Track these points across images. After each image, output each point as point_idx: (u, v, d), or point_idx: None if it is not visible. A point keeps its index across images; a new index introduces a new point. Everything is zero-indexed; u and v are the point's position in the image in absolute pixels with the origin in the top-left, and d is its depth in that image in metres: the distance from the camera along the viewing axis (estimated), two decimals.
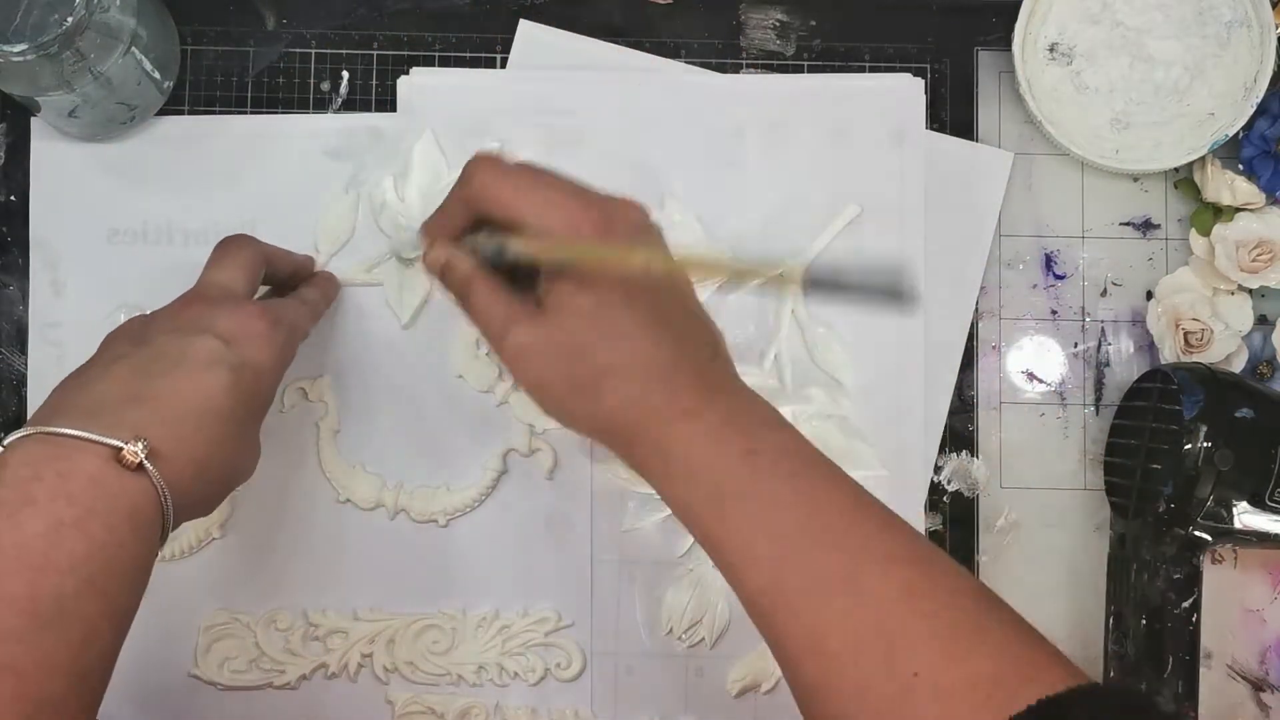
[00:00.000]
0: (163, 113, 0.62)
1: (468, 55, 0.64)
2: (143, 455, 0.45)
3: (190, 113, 0.63)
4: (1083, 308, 0.64)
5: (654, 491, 0.61)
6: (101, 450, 0.45)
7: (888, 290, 0.45)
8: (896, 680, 0.43)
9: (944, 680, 0.42)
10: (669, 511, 0.61)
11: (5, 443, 0.46)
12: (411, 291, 0.62)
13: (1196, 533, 0.57)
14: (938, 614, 0.44)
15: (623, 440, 0.50)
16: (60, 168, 0.62)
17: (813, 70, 0.64)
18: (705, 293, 0.62)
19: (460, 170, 0.50)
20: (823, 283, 0.47)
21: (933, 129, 0.63)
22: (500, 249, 0.49)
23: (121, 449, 0.45)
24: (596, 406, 0.49)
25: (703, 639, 0.61)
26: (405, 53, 0.64)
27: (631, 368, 0.49)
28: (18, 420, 0.62)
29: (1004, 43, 0.63)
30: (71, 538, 0.43)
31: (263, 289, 0.58)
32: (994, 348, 0.64)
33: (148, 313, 0.53)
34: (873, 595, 0.45)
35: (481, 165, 0.50)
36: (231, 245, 0.56)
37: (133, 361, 0.49)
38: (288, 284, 0.60)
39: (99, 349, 0.51)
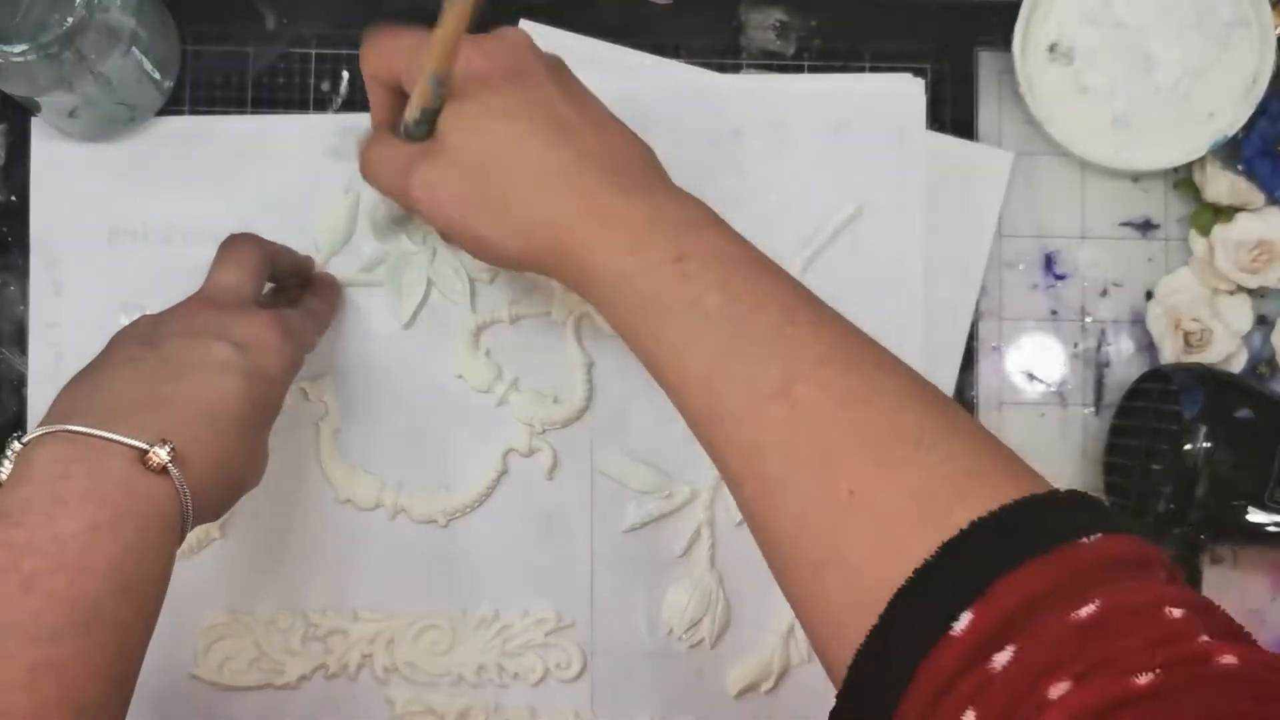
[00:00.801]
0: (163, 113, 0.62)
1: None
2: (168, 458, 0.45)
3: (190, 113, 0.63)
4: (1083, 308, 0.64)
5: (652, 490, 0.62)
6: (127, 452, 0.45)
7: None
8: (834, 499, 0.40)
9: (880, 497, 0.40)
10: (669, 512, 0.62)
11: (25, 440, 0.46)
12: (411, 291, 0.62)
13: (1195, 533, 0.57)
14: (875, 420, 0.41)
15: (548, 259, 0.48)
16: (60, 168, 0.62)
17: (813, 70, 0.64)
18: None
19: None
20: None
21: (933, 129, 0.63)
22: (404, 123, 0.50)
23: (147, 451, 0.45)
24: (508, 224, 0.48)
25: (703, 639, 0.61)
26: None
27: (532, 173, 0.47)
28: (18, 421, 0.62)
29: (1004, 43, 0.63)
30: (107, 540, 0.43)
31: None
32: (994, 348, 0.64)
33: (155, 313, 0.53)
34: (808, 405, 0.42)
35: (365, 40, 0.51)
36: (238, 246, 0.56)
37: (146, 365, 0.49)
38: (287, 281, 0.60)
39: (108, 350, 0.51)
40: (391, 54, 0.51)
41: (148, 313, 0.53)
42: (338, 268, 0.62)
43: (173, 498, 0.46)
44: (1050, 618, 0.35)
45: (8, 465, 0.45)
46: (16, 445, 0.46)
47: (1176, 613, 0.36)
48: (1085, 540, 0.37)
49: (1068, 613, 0.35)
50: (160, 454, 0.45)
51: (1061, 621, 0.35)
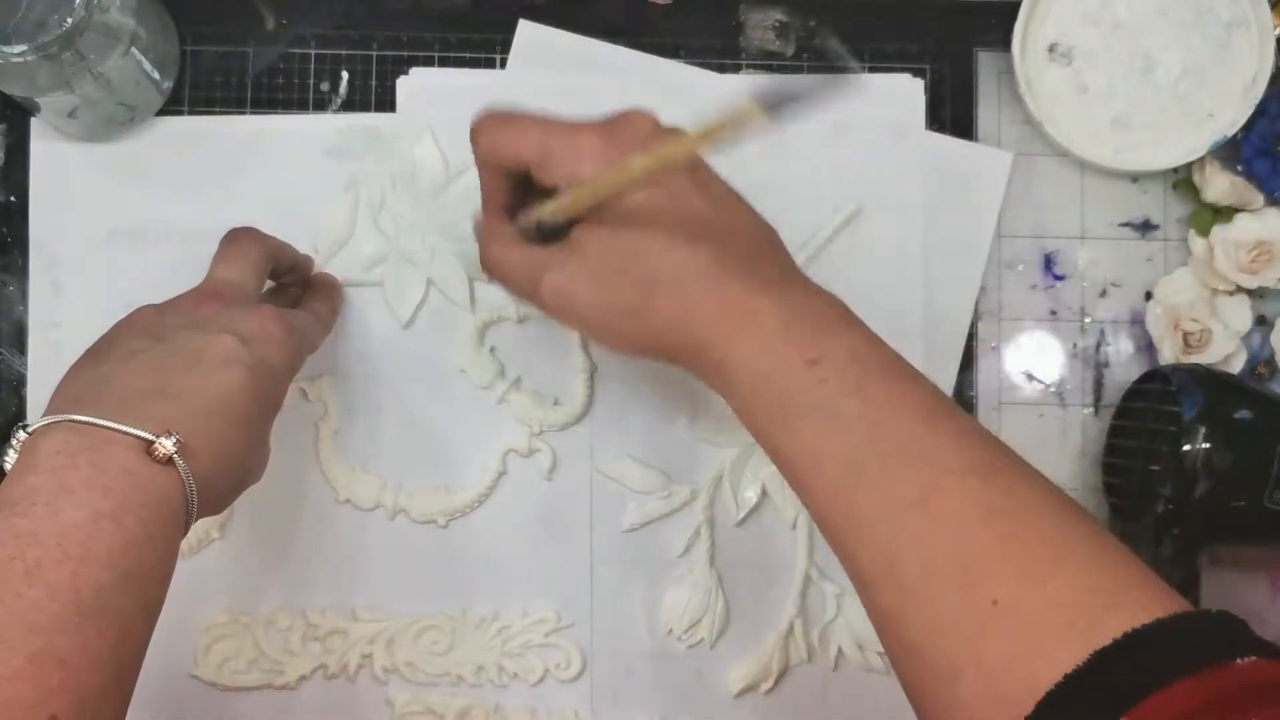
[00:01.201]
0: (163, 113, 0.62)
1: (468, 55, 0.64)
2: (173, 449, 0.45)
3: (190, 113, 0.63)
4: (1082, 308, 0.64)
5: (652, 491, 0.62)
6: (133, 443, 0.45)
7: (834, 74, 0.42)
8: (975, 608, 0.40)
9: (1024, 606, 0.40)
10: (669, 512, 0.62)
11: (30, 429, 0.46)
12: (411, 291, 0.62)
13: (1195, 533, 0.58)
14: (1017, 535, 0.41)
15: (683, 355, 0.48)
16: (60, 168, 0.62)
17: (813, 70, 0.64)
18: None
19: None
20: (777, 95, 0.43)
21: (933, 129, 0.63)
22: (534, 221, 0.49)
23: (153, 442, 0.45)
24: (646, 326, 0.48)
25: (703, 639, 0.61)
26: (405, 53, 0.64)
27: (671, 276, 0.47)
28: (18, 420, 0.62)
29: (1004, 43, 0.63)
30: (109, 530, 0.43)
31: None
32: (993, 348, 0.64)
33: (158, 304, 0.53)
34: (947, 516, 0.42)
35: (481, 123, 0.50)
36: (240, 241, 0.56)
37: (151, 356, 0.49)
38: (287, 279, 0.60)
39: (110, 339, 0.51)
40: (514, 142, 0.49)
41: (150, 304, 0.53)
42: (337, 267, 0.62)
43: (178, 489, 0.46)
44: None
45: (12, 454, 0.46)
46: (22, 434, 0.46)
47: None
48: (1239, 661, 0.37)
49: None
50: (166, 445, 0.45)
51: None
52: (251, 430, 0.50)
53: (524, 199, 0.51)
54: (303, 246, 0.61)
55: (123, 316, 0.52)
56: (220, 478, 0.48)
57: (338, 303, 0.61)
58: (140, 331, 0.50)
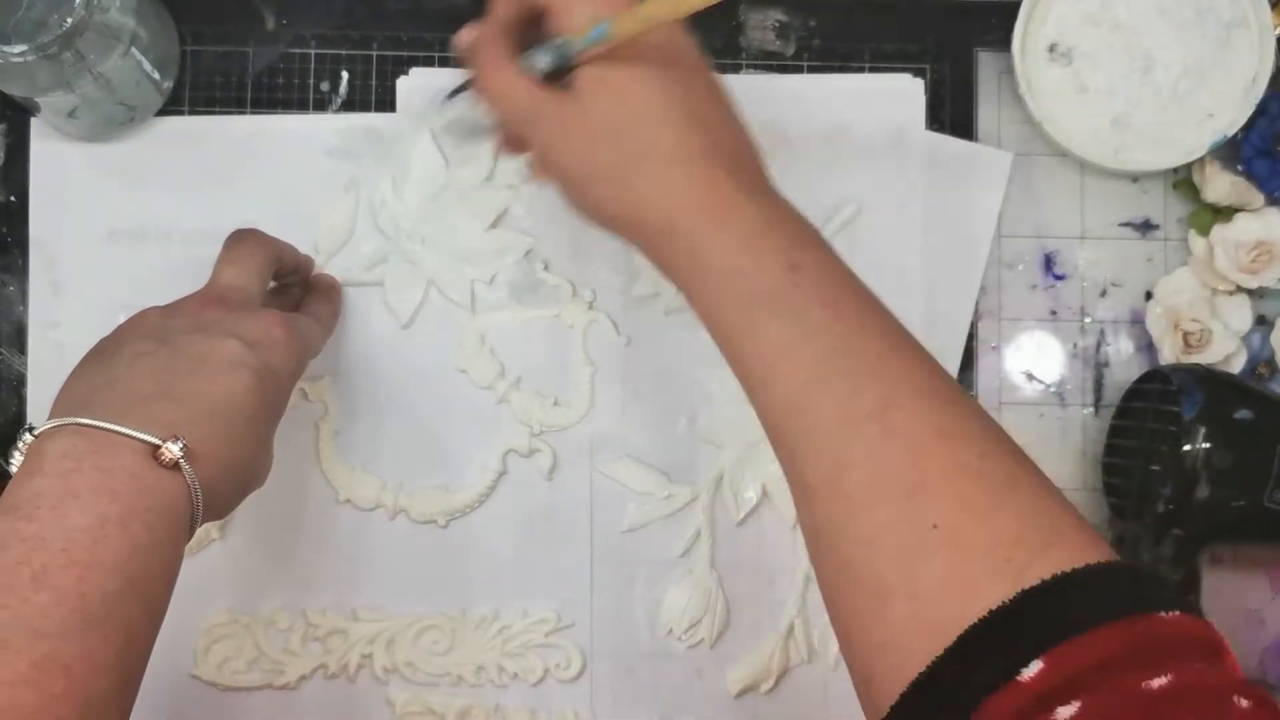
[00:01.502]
0: (163, 113, 0.62)
1: None
2: (180, 454, 0.45)
3: (190, 113, 0.63)
4: (1082, 308, 0.64)
5: (652, 491, 0.62)
6: (139, 447, 0.45)
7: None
8: (915, 529, 0.40)
9: (963, 536, 0.40)
10: (669, 512, 0.62)
11: (38, 431, 0.46)
12: (411, 291, 0.62)
13: (1195, 533, 0.58)
14: (967, 464, 0.41)
15: (653, 234, 0.48)
16: (60, 168, 0.62)
17: (813, 70, 0.64)
18: None
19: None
20: None
21: (933, 129, 0.63)
22: (552, 53, 0.48)
23: (160, 446, 0.45)
24: (627, 193, 0.47)
25: (703, 639, 0.61)
26: (405, 53, 0.64)
27: (667, 153, 0.47)
28: (18, 420, 0.62)
29: (1004, 43, 0.63)
30: (115, 535, 0.43)
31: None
32: (994, 348, 0.64)
33: (162, 306, 0.53)
34: (903, 432, 0.42)
35: None
36: (245, 243, 0.56)
37: (157, 360, 0.48)
38: (289, 279, 0.60)
39: (115, 342, 0.51)
40: None
41: (155, 306, 0.53)
42: (338, 267, 0.62)
43: (183, 493, 0.46)
44: (1121, 681, 0.36)
45: (19, 456, 0.45)
46: (29, 436, 0.46)
47: (1245, 703, 0.36)
48: (1164, 615, 0.38)
49: (1139, 681, 0.36)
50: (172, 449, 0.45)
51: (1132, 687, 0.35)
52: (256, 434, 0.50)
53: (525, 42, 0.50)
54: (303, 247, 0.61)
55: (126, 318, 0.52)
56: (225, 482, 0.48)
57: (338, 304, 0.61)
58: (145, 335, 0.50)
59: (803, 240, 0.47)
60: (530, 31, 0.50)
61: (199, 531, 0.60)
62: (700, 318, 0.48)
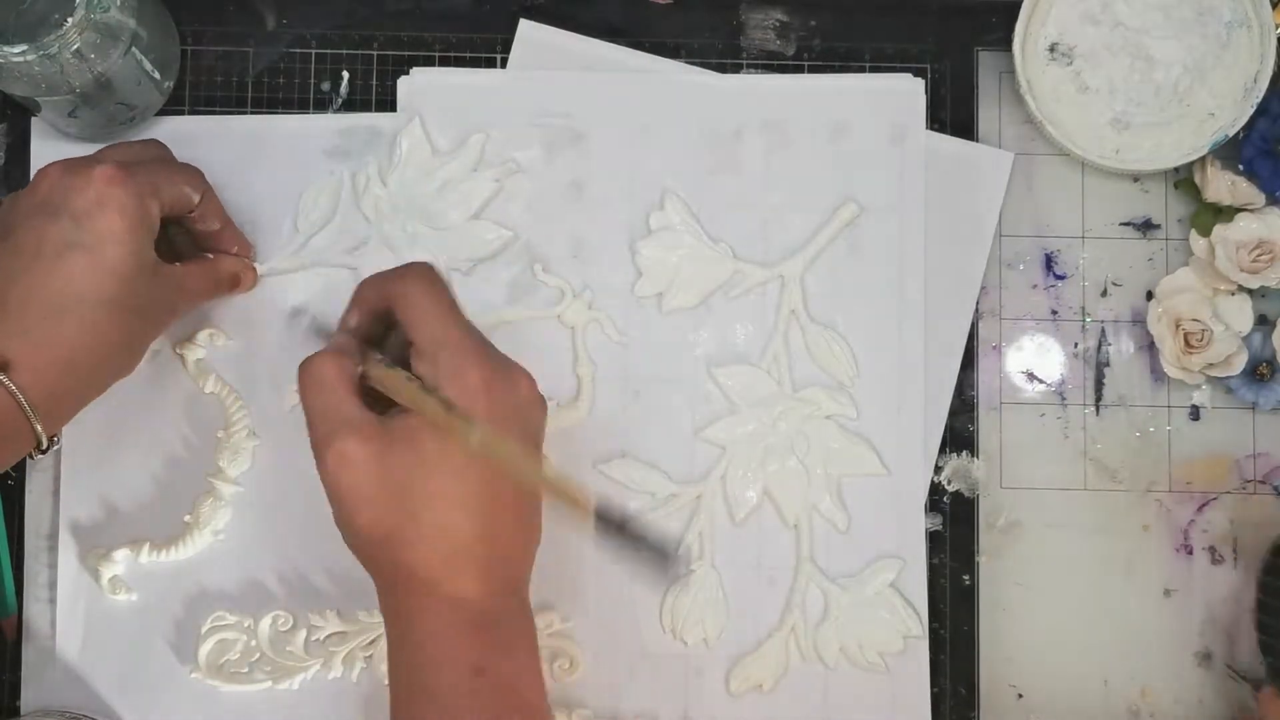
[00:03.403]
0: (163, 113, 0.62)
1: (468, 55, 0.64)
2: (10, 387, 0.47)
3: (190, 113, 0.63)
4: (1083, 308, 0.64)
5: (652, 490, 0.62)
6: None
7: (657, 552, 0.47)
8: None
9: None
10: (669, 511, 0.62)
11: None
12: None
13: None
14: None
15: (387, 584, 0.50)
16: None
17: (813, 70, 0.64)
18: (702, 297, 0.62)
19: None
20: (608, 521, 0.48)
21: (933, 129, 0.63)
22: (385, 382, 0.50)
23: None
24: (383, 542, 0.49)
25: (703, 639, 0.61)
26: (405, 53, 0.64)
27: (432, 527, 0.48)
28: None
29: (1004, 43, 0.63)
30: None
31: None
32: (994, 348, 0.64)
33: (18, 192, 0.53)
34: None
35: (415, 272, 0.51)
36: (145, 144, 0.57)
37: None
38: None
39: None
40: (418, 308, 0.50)
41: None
42: (317, 248, 0.62)
43: (8, 406, 0.47)
44: None
45: None
46: None
47: None
48: None
49: None
50: (3, 381, 0.47)
51: None
52: (101, 316, 0.50)
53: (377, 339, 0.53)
54: (288, 234, 0.61)
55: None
56: (67, 379, 0.50)
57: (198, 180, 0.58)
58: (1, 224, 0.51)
59: (509, 648, 0.49)
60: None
61: (200, 531, 0.61)
62: (387, 670, 0.51)
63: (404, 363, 0.51)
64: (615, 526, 0.48)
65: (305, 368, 0.50)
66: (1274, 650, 0.60)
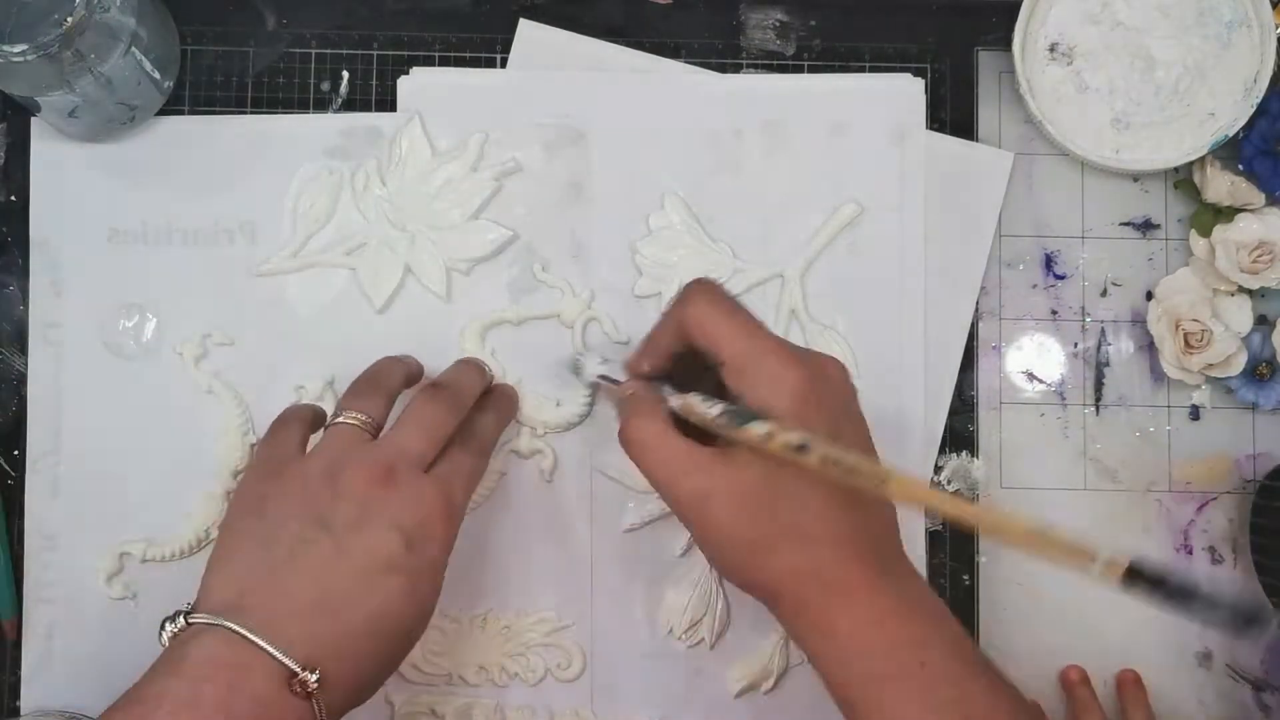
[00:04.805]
0: (163, 113, 0.62)
1: (468, 55, 0.64)
2: (314, 686, 0.46)
3: (190, 113, 0.63)
4: (1083, 308, 0.64)
5: (651, 492, 0.62)
6: (277, 670, 0.46)
7: (1235, 613, 0.43)
8: None
9: None
10: (669, 511, 0.61)
11: (192, 619, 0.47)
12: (388, 277, 0.62)
13: None
14: None
15: (784, 601, 0.50)
16: (60, 168, 0.62)
17: (813, 70, 0.64)
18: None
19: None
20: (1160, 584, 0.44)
21: (933, 129, 0.63)
22: (729, 418, 0.49)
23: (297, 674, 0.46)
24: (765, 565, 0.49)
25: (703, 639, 0.61)
26: (405, 53, 0.64)
27: (812, 532, 0.48)
28: (18, 421, 0.62)
29: (1004, 43, 0.63)
30: None
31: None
32: (994, 348, 0.64)
33: (322, 458, 0.51)
34: None
35: (698, 292, 0.51)
36: (435, 402, 0.54)
37: (318, 554, 0.49)
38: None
39: (280, 511, 0.50)
40: (723, 335, 0.50)
41: (321, 454, 0.52)
42: (316, 248, 0.62)
43: (307, 715, 0.47)
44: None
45: (166, 638, 0.47)
46: (182, 622, 0.47)
47: None
48: None
49: None
50: (309, 679, 0.46)
51: None
52: (405, 641, 0.51)
53: (680, 370, 0.52)
54: (288, 234, 0.61)
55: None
56: (354, 696, 0.49)
57: (507, 408, 0.60)
58: (310, 513, 0.50)
59: (930, 615, 0.49)
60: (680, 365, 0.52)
61: (199, 531, 0.61)
62: (825, 682, 0.50)
63: (698, 387, 0.51)
64: (1155, 584, 0.44)
65: (626, 437, 0.51)
66: (1268, 570, 0.61)
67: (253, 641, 0.46)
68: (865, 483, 0.48)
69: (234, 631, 0.46)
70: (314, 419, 0.56)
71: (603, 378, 0.57)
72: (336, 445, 0.52)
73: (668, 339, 0.53)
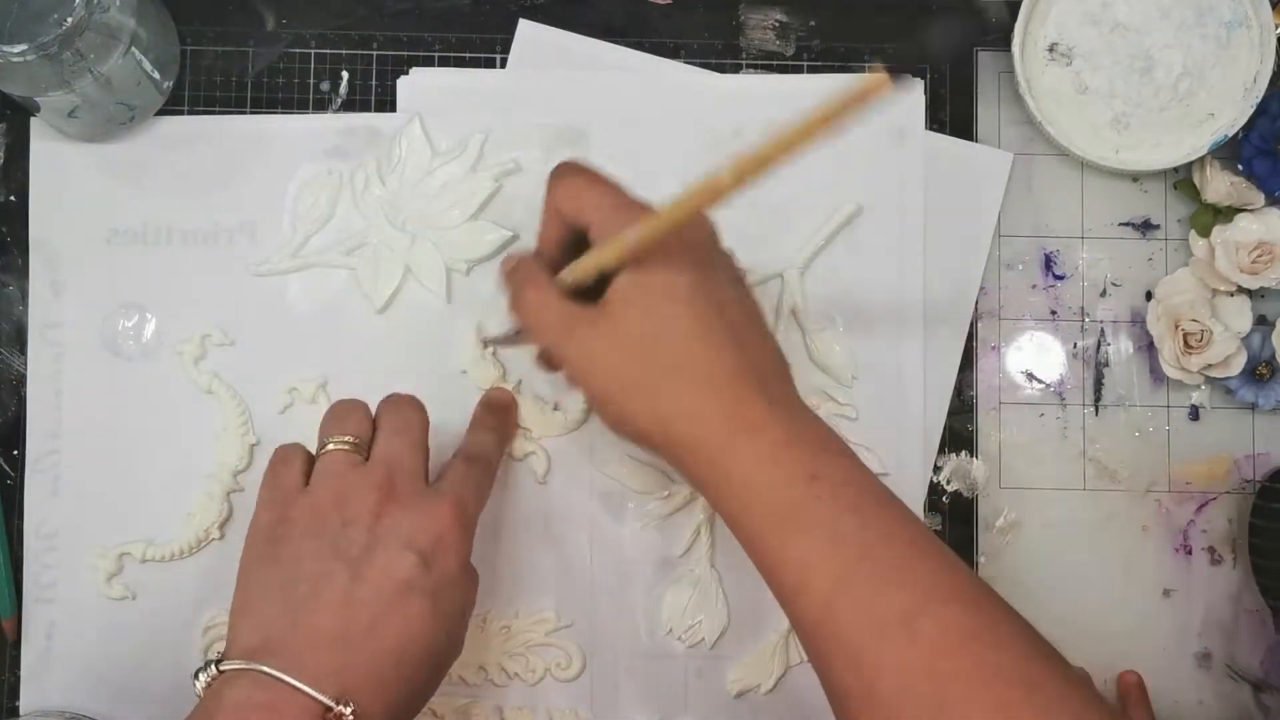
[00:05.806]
0: (163, 113, 0.62)
1: (468, 55, 0.64)
2: (349, 718, 0.46)
3: (190, 113, 0.63)
4: (1082, 308, 0.64)
5: (652, 491, 0.62)
6: (311, 706, 0.46)
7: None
8: None
9: None
10: (669, 512, 0.62)
11: (224, 668, 0.47)
12: (387, 277, 0.62)
13: None
14: (994, 663, 0.43)
15: (679, 451, 0.49)
16: (60, 168, 0.62)
17: (813, 70, 0.64)
18: None
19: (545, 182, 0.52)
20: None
21: (933, 129, 0.63)
22: (581, 274, 0.50)
23: (331, 709, 0.46)
24: (654, 411, 0.49)
25: (703, 639, 0.61)
26: (405, 53, 0.64)
27: (694, 371, 0.48)
28: (18, 421, 0.62)
29: (1004, 43, 0.63)
30: None
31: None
32: (994, 348, 0.64)
33: (329, 482, 0.51)
34: (929, 638, 0.44)
35: (562, 169, 0.51)
36: (403, 409, 0.55)
37: (337, 584, 0.49)
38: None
39: (295, 547, 0.50)
40: (581, 195, 0.51)
41: (327, 484, 0.52)
42: (316, 248, 0.62)
43: None
44: None
45: (200, 687, 0.48)
46: (214, 671, 0.47)
47: None
48: None
49: None
50: (345, 713, 0.46)
51: None
52: (433, 663, 0.50)
53: (571, 259, 0.52)
54: (287, 234, 0.61)
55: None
56: (402, 715, 0.49)
57: (513, 423, 0.61)
58: (324, 545, 0.50)
59: (824, 449, 0.48)
60: (575, 255, 0.51)
61: (199, 531, 0.61)
62: (728, 525, 0.49)
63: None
64: None
65: (516, 308, 0.51)
66: (1267, 571, 0.61)
67: (285, 681, 0.46)
68: (701, 201, 0.47)
69: (265, 673, 0.46)
70: (306, 454, 0.55)
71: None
72: (333, 472, 0.52)
73: (551, 226, 0.52)
